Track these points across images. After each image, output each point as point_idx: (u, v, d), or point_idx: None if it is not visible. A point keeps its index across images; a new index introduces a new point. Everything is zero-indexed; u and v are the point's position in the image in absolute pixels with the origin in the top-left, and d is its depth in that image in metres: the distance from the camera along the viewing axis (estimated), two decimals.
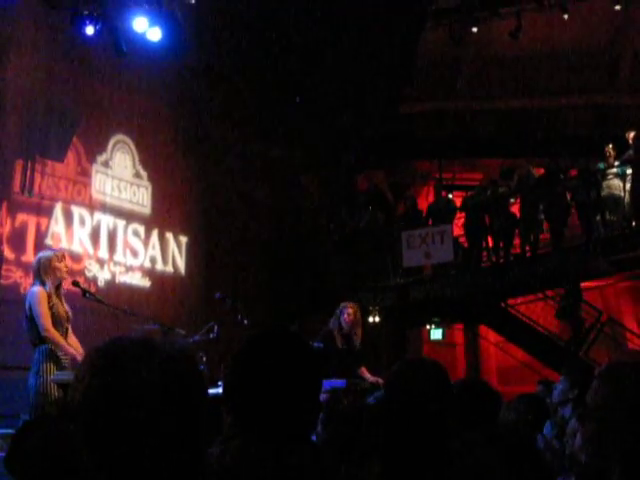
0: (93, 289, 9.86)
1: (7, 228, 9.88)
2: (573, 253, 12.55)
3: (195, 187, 12.72)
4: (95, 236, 11.07)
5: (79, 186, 10.97)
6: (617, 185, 12.27)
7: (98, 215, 11.16)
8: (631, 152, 12.11)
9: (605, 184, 12.34)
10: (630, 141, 12.16)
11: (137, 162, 11.92)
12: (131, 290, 11.38)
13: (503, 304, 14.62)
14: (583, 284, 13.60)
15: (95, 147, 11.27)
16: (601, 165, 12.48)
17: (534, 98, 17.17)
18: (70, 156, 10.81)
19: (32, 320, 5.81)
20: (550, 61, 16.72)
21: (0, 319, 8.94)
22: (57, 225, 10.51)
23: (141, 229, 11.84)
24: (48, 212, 10.41)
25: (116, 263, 11.34)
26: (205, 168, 12.86)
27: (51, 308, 5.83)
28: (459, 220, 13.93)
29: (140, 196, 11.91)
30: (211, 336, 7.04)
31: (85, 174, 11.10)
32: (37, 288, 5.87)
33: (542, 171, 13.17)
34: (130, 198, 11.75)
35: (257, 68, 12.85)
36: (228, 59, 12.43)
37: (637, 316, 17.00)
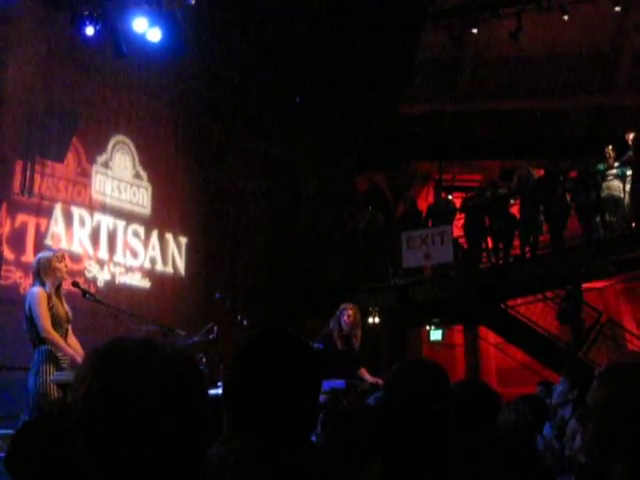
0: (93, 290, 9.85)
1: (7, 229, 9.88)
2: (573, 254, 12.54)
3: (195, 188, 12.72)
4: (95, 237, 11.07)
5: (79, 187, 10.97)
6: (617, 186, 12.26)
7: (98, 216, 11.16)
8: (631, 153, 12.11)
9: (605, 185, 12.33)
10: (630, 142, 12.16)
11: (137, 163, 11.92)
12: (131, 291, 11.38)
13: (503, 305, 14.61)
14: (583, 285, 13.60)
15: (95, 148, 11.27)
16: (601, 166, 12.48)
17: (534, 99, 17.18)
18: (70, 157, 10.82)
19: (32, 321, 5.81)
20: (550, 62, 16.72)
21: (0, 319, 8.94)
22: (57, 226, 10.51)
23: (141, 230, 11.83)
24: (48, 213, 10.41)
25: (116, 264, 11.34)
26: (205, 169, 12.86)
27: (51, 309, 5.82)
28: (459, 221, 13.93)
29: (140, 197, 11.91)
30: (210, 337, 7.04)
31: (85, 175, 11.10)
32: (37, 289, 5.86)
33: (542, 172, 13.17)
34: (130, 199, 11.75)
35: (257, 68, 12.85)
36: (228, 59, 12.44)
37: (637, 317, 16.99)
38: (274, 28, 12.42)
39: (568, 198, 12.78)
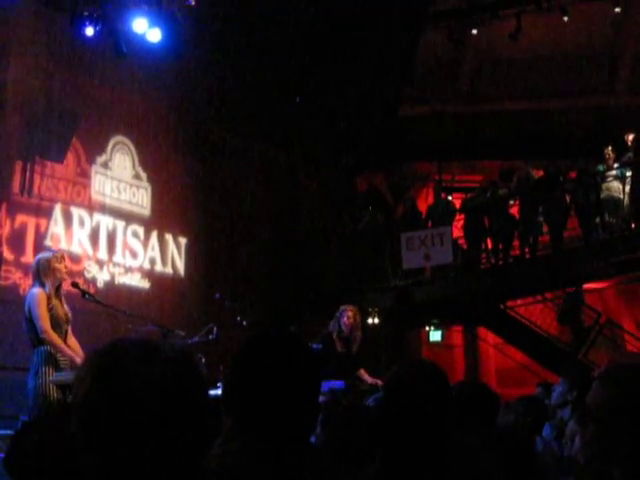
0: (92, 290, 9.85)
1: (6, 229, 9.88)
2: (572, 255, 12.55)
3: (195, 188, 12.72)
4: (94, 237, 11.07)
5: (78, 187, 10.97)
6: (616, 187, 12.27)
7: (97, 216, 11.16)
8: (630, 154, 12.12)
9: (604, 186, 12.34)
10: (629, 143, 12.17)
11: (137, 163, 11.91)
12: (130, 291, 11.38)
13: (502, 306, 14.61)
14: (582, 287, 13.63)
15: (95, 148, 11.27)
16: (600, 167, 12.49)
17: (534, 100, 17.19)
18: (70, 157, 10.82)
19: (31, 322, 5.80)
20: (549, 63, 16.73)
21: None
22: (56, 226, 10.51)
23: (140, 230, 11.83)
24: (47, 213, 10.42)
25: (115, 264, 11.34)
26: (205, 169, 12.86)
27: (50, 310, 5.82)
28: (458, 222, 13.93)
29: (139, 197, 11.91)
30: (210, 337, 7.05)
31: (84, 175, 11.10)
32: (36, 290, 5.86)
33: (541, 173, 13.18)
34: (129, 199, 11.75)
35: (257, 68, 12.85)
36: (228, 60, 12.43)
37: (636, 318, 17.00)
38: (274, 28, 12.42)
39: (568, 199, 12.79)
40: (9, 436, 4.58)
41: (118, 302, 9.20)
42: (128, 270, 11.54)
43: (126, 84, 11.42)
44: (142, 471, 1.26)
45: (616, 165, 12.31)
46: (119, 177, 11.60)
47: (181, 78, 12.10)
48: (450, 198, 15.56)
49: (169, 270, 12.24)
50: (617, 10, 14.94)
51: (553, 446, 4.89)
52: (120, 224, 11.49)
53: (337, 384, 6.81)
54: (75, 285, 6.51)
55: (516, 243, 13.33)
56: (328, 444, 3.06)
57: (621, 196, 12.21)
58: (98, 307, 7.10)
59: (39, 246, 9.88)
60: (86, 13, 9.79)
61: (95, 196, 11.18)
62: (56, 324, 5.84)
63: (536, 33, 15.12)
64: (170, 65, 11.45)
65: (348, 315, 7.62)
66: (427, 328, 17.41)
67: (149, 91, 11.82)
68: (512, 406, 4.67)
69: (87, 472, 1.28)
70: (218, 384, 5.76)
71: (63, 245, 10.36)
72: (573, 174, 13.32)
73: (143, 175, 12.01)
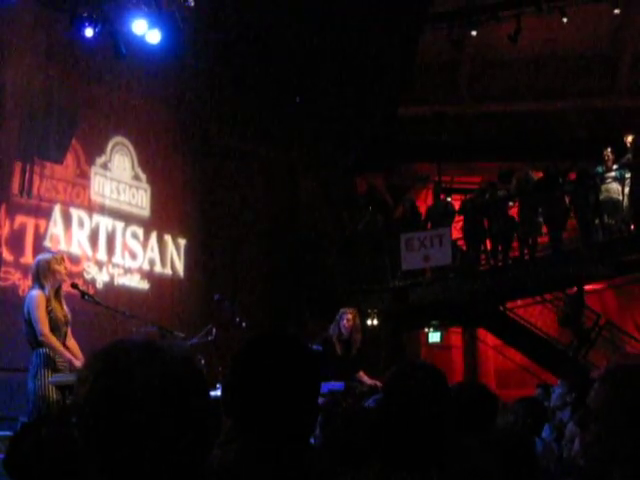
0: (91, 291, 9.84)
1: (6, 230, 9.88)
2: (572, 256, 12.56)
3: (194, 189, 12.71)
4: (94, 238, 11.06)
5: (78, 188, 10.96)
6: (616, 189, 12.28)
7: (97, 217, 11.15)
8: (629, 156, 12.13)
9: (604, 187, 12.35)
10: (628, 145, 12.18)
11: (136, 164, 11.91)
12: (129, 292, 11.37)
13: (501, 307, 14.62)
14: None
15: (94, 149, 11.26)
16: (599, 169, 12.50)
17: (533, 101, 17.20)
18: (69, 158, 10.81)
19: (30, 324, 5.80)
20: (549, 64, 16.74)
21: None
22: (56, 227, 10.50)
23: (140, 231, 11.82)
24: (47, 214, 10.41)
25: (115, 265, 11.33)
26: (204, 170, 12.85)
27: (49, 313, 5.80)
28: (458, 223, 13.93)
29: (139, 198, 11.90)
30: (209, 338, 7.06)
31: (84, 176, 11.09)
32: (35, 292, 5.85)
33: (541, 174, 13.18)
34: (129, 200, 11.74)
35: (257, 69, 12.85)
36: (227, 61, 12.44)
37: (635, 319, 17.01)
38: (274, 29, 12.42)
39: (567, 200, 12.80)
40: (9, 437, 4.58)
41: (117, 303, 9.20)
42: (127, 271, 11.53)
43: (126, 85, 11.42)
44: (143, 472, 1.26)
45: (615, 167, 12.32)
46: (118, 178, 11.59)
47: (181, 79, 12.10)
48: (449, 199, 15.55)
49: (168, 271, 12.24)
50: (616, 11, 14.94)
51: (553, 447, 4.89)
52: (119, 225, 11.49)
53: (336, 385, 6.82)
54: (74, 286, 6.50)
55: (515, 244, 13.34)
56: (327, 445, 3.06)
57: (620, 197, 12.21)
58: (97, 308, 7.10)
59: (38, 247, 9.88)
60: (85, 14, 9.80)
61: (94, 197, 11.18)
62: (55, 327, 5.83)
63: (535, 34, 15.12)
64: (169, 66, 11.46)
65: (348, 318, 7.64)
66: (426, 329, 17.42)
67: (149, 92, 11.82)
68: (512, 407, 4.68)
69: (88, 473, 1.29)
70: (217, 385, 5.76)
71: (62, 246, 10.36)
72: (572, 175, 13.33)
73: (142, 176, 12.00)
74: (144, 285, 11.74)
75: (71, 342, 6.04)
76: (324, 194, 15.30)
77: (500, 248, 13.31)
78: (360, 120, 14.76)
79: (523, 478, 3.04)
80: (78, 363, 5.69)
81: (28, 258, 9.68)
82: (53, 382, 5.67)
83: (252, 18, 12.15)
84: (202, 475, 1.36)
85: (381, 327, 13.65)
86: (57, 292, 5.98)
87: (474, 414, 3.22)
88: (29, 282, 6.98)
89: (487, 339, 16.79)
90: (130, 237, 11.65)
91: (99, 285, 10.95)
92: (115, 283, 11.26)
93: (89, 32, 9.82)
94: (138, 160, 11.92)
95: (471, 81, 17.44)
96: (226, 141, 13.28)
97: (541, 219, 12.92)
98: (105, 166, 11.40)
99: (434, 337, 18.10)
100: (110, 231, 11.32)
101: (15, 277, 9.82)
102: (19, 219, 10.08)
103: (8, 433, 6.06)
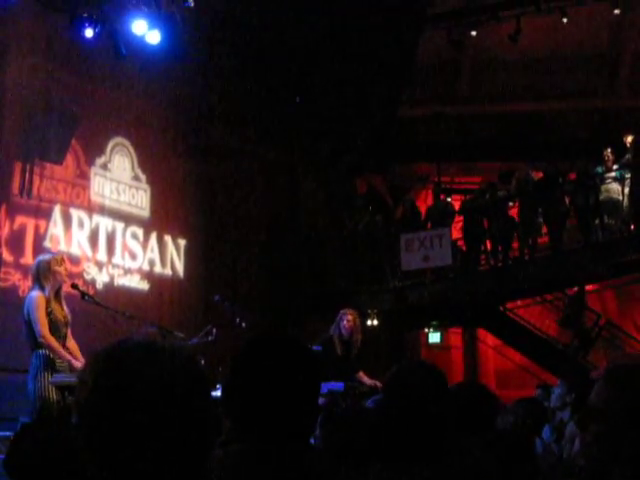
0: (91, 292, 9.84)
1: (6, 230, 9.87)
2: (572, 257, 12.56)
3: (194, 190, 12.70)
4: (94, 239, 11.06)
5: (78, 189, 10.96)
6: (616, 189, 12.28)
7: (97, 218, 11.15)
8: (629, 156, 12.13)
9: (603, 188, 12.35)
10: (628, 145, 12.18)
11: (136, 165, 11.91)
12: (129, 293, 11.37)
13: (501, 308, 14.63)
14: None
15: (94, 150, 11.26)
16: (599, 169, 12.50)
17: (533, 101, 17.20)
18: (69, 159, 10.81)
19: (30, 325, 5.79)
20: (549, 64, 16.73)
21: None
22: (56, 228, 10.50)
23: (140, 232, 11.82)
24: (47, 215, 10.41)
25: (115, 266, 11.33)
26: (204, 170, 12.85)
27: (49, 314, 5.80)
28: (458, 223, 13.93)
29: (139, 199, 11.90)
30: (209, 339, 7.06)
31: (84, 177, 11.09)
32: (35, 293, 5.84)
33: (541, 174, 13.18)
34: (129, 201, 11.74)
35: (257, 70, 12.85)
36: (227, 61, 12.43)
37: (635, 319, 17.01)
38: (273, 30, 12.42)
39: (567, 201, 12.80)
40: (9, 438, 4.58)
41: (117, 304, 9.19)
42: (127, 272, 11.53)
43: (125, 86, 11.42)
44: (144, 472, 1.26)
45: (615, 167, 12.32)
46: (118, 179, 11.59)
47: (180, 79, 12.09)
48: (449, 199, 15.57)
49: (168, 271, 12.24)
50: (616, 12, 14.96)
51: (553, 448, 4.89)
52: (119, 225, 11.49)
53: (336, 386, 6.82)
54: (74, 287, 6.50)
55: (515, 244, 13.34)
56: (327, 446, 3.06)
57: (620, 198, 12.21)
58: (97, 308, 7.09)
59: (38, 247, 9.88)
60: (85, 14, 9.79)
61: (94, 198, 11.17)
62: (55, 328, 5.83)
63: (535, 35, 15.11)
64: (169, 66, 11.45)
65: (348, 319, 7.65)
66: (426, 330, 17.42)
67: (148, 92, 11.82)
68: (511, 408, 4.67)
69: (89, 473, 1.29)
70: (217, 386, 5.76)
71: (62, 246, 10.36)
72: (572, 175, 13.33)
73: (142, 177, 12.00)
74: (144, 285, 11.74)
75: (71, 343, 6.03)
76: (324, 194, 15.30)
77: (500, 248, 13.30)
78: (360, 120, 14.76)
79: (523, 478, 3.04)
80: (78, 364, 5.69)
81: (28, 259, 9.68)
82: (53, 382, 5.67)
83: (252, 18, 12.15)
84: (203, 475, 1.36)
85: (381, 327, 13.65)
86: (57, 293, 5.97)
87: (474, 414, 3.21)
88: (29, 283, 6.99)
89: (487, 339, 16.80)
90: (130, 237, 11.65)
91: (99, 286, 10.95)
92: (115, 284, 11.25)
93: (89, 32, 9.81)
94: (138, 161, 11.92)
95: (471, 81, 17.44)
96: (226, 141, 13.27)
97: (541, 219, 12.92)
98: (105, 167, 11.40)
99: (434, 337, 18.11)
100: (110, 232, 11.32)
101: (15, 278, 9.82)
102: (19, 219, 10.08)
103: (8, 433, 6.06)
